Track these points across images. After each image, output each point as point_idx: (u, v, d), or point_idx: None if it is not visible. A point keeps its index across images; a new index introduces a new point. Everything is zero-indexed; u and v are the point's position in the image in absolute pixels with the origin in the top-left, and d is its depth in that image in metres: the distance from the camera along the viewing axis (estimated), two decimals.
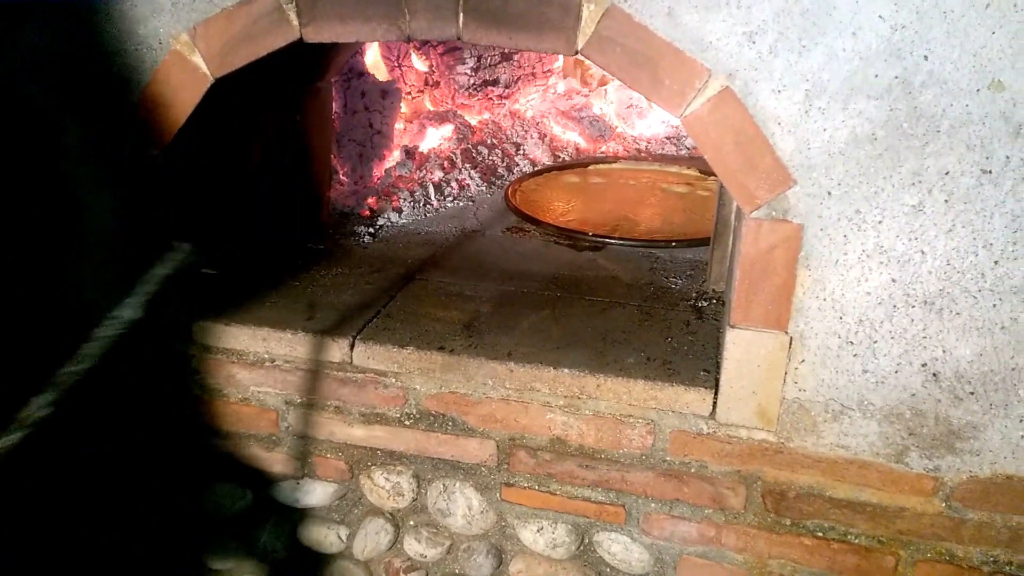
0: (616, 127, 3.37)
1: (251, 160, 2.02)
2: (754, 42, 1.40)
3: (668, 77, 1.45)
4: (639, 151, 3.25)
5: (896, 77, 1.36)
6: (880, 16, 1.33)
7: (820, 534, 1.69)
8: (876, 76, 1.37)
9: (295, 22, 1.57)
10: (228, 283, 1.99)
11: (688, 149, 3.26)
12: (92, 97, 1.71)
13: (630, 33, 1.44)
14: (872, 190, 1.43)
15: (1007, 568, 1.61)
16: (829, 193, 1.45)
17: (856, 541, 1.67)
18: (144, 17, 1.63)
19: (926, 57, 1.34)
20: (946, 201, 1.41)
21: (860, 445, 1.59)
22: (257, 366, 1.87)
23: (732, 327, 1.57)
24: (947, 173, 1.39)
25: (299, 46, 1.59)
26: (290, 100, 2.11)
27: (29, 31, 1.69)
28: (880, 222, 1.45)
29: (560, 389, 1.70)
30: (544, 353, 1.75)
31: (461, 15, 1.50)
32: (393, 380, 1.80)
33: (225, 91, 1.68)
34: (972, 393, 1.51)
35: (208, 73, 1.64)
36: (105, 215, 1.81)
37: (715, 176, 2.86)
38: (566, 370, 1.69)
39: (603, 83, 3.61)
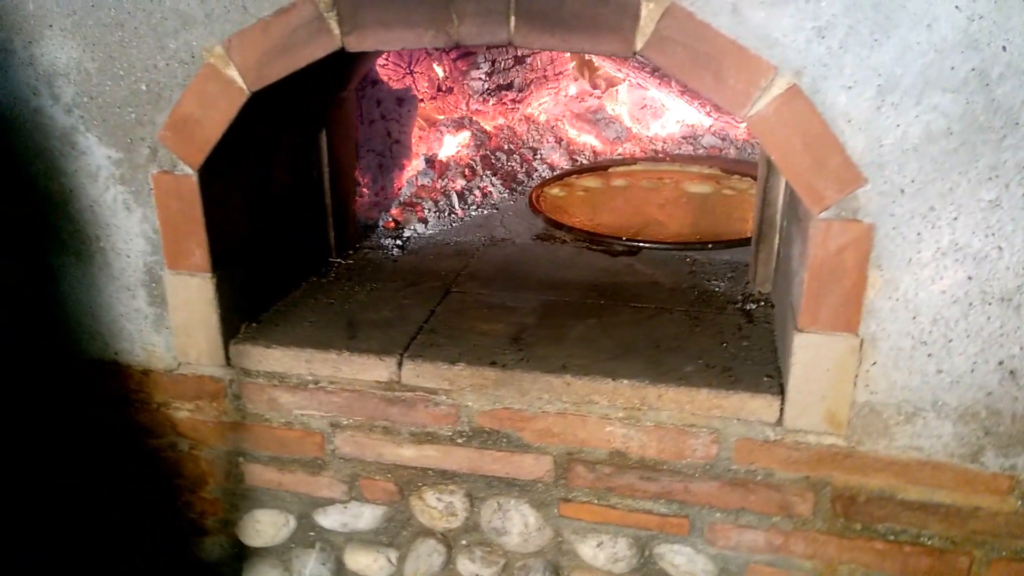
0: (631, 128, 3.32)
1: (279, 176, 1.96)
2: (823, 37, 1.35)
3: (732, 76, 1.41)
4: (656, 152, 3.21)
5: (973, 69, 1.32)
6: (956, 6, 1.29)
7: (892, 537, 1.64)
8: (952, 69, 1.33)
9: (336, 31, 1.51)
10: (263, 303, 1.93)
11: (705, 148, 3.23)
12: (118, 115, 1.65)
13: (692, 32, 1.40)
14: (947, 186, 1.39)
15: None
16: (902, 191, 1.41)
17: (929, 543, 1.63)
18: (175, 30, 1.57)
19: (1004, 48, 1.30)
20: None
21: (934, 446, 1.55)
22: (300, 388, 1.81)
23: (800, 331, 1.52)
24: None
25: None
26: (315, 112, 2.05)
27: (49, 46, 1.62)
28: (955, 219, 1.41)
29: (619, 400, 1.65)
30: (599, 364, 1.70)
31: (513, 18, 1.45)
32: (444, 398, 1.75)
33: (253, 106, 1.62)
34: None
35: (244, 87, 1.58)
36: (133, 241, 1.75)
37: (738, 175, 2.84)
38: (625, 381, 1.65)
39: (612, 84, 3.57)
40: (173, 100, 1.61)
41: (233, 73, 1.57)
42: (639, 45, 1.43)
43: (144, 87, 1.61)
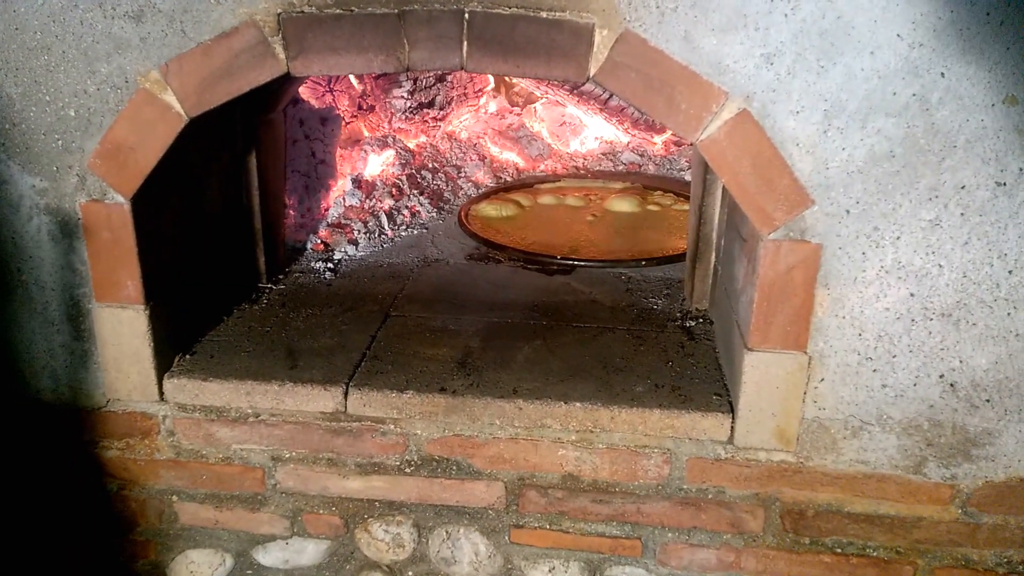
0: (551, 145, 3.33)
1: (210, 200, 1.88)
2: (772, 64, 1.38)
3: (685, 101, 1.42)
4: (577, 168, 3.23)
5: (914, 94, 1.37)
6: (898, 35, 1.34)
7: (839, 550, 1.69)
8: (894, 94, 1.37)
9: (282, 55, 1.46)
10: (196, 333, 1.84)
11: (625, 164, 3.27)
12: (43, 143, 1.55)
13: (645, 58, 1.40)
14: (890, 207, 1.44)
15: (1020, 568, 1.65)
16: (848, 212, 1.45)
17: (875, 554, 1.68)
18: (107, 54, 1.48)
19: (943, 74, 1.35)
20: (962, 214, 1.43)
21: (879, 459, 1.60)
22: (240, 422, 1.73)
23: (750, 350, 1.55)
24: (963, 187, 1.41)
25: None
26: (244, 134, 1.98)
27: None
28: (898, 238, 1.45)
29: (572, 424, 1.64)
30: (550, 387, 1.69)
31: (465, 44, 1.43)
32: (392, 427, 1.70)
33: (187, 130, 1.55)
34: (988, 400, 1.53)
35: (183, 112, 1.51)
36: (59, 273, 1.64)
37: (660, 190, 2.89)
38: (578, 404, 1.64)
39: (530, 101, 3.58)
40: (104, 126, 1.52)
41: (170, 98, 1.49)
42: (593, 71, 1.43)
43: (72, 113, 1.52)
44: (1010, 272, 1.45)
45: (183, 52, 1.46)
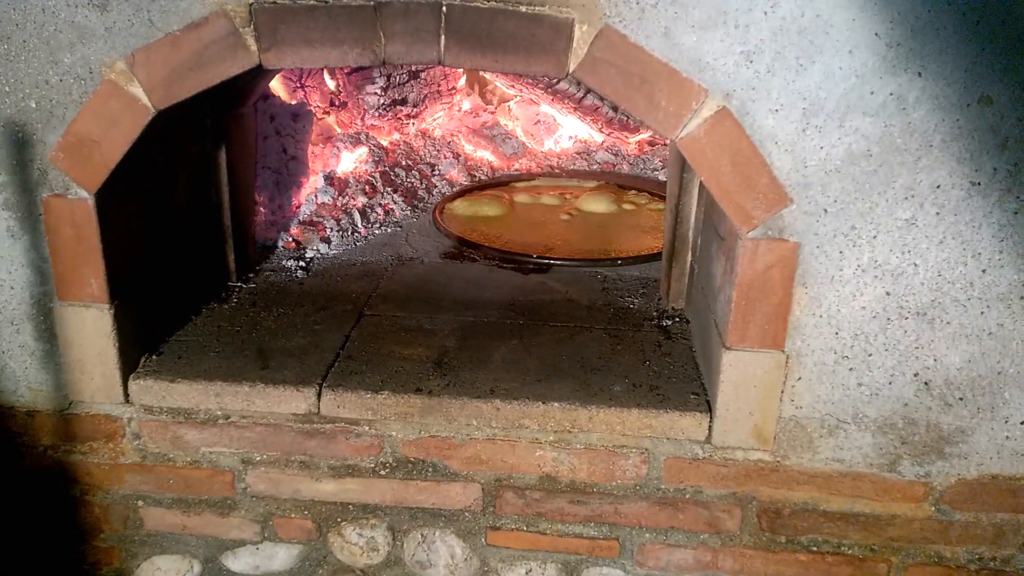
0: (526, 144, 3.32)
1: (178, 196, 1.83)
2: (752, 61, 1.38)
3: (665, 98, 1.41)
4: (552, 167, 3.22)
5: (891, 94, 1.37)
6: (876, 34, 1.34)
7: (815, 548, 1.69)
8: (872, 93, 1.37)
9: (253, 47, 1.43)
10: (163, 332, 1.80)
11: (599, 164, 3.26)
12: (2, 135, 1.50)
13: (625, 54, 1.39)
14: (867, 206, 1.44)
15: (992, 564, 1.66)
16: (825, 210, 1.45)
17: (850, 552, 1.68)
18: (70, 44, 1.44)
19: (920, 74, 1.35)
20: (937, 214, 1.43)
21: (855, 457, 1.60)
22: (209, 424, 1.69)
23: (728, 349, 1.54)
24: (939, 186, 1.41)
25: None
26: (214, 128, 1.94)
27: None
28: (875, 237, 1.46)
29: (550, 424, 1.63)
30: (527, 387, 1.67)
31: (443, 38, 1.41)
32: (367, 428, 1.67)
33: (155, 123, 1.51)
34: (961, 399, 1.54)
35: (150, 105, 1.47)
36: (19, 271, 1.59)
37: (635, 189, 2.88)
38: (556, 404, 1.62)
39: (505, 100, 3.56)
40: (67, 119, 1.47)
41: (137, 90, 1.45)
42: (572, 66, 1.41)
43: (34, 104, 1.47)
44: (983, 271, 1.45)
45: (150, 42, 1.43)
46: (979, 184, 1.41)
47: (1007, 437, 1.56)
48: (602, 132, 3.33)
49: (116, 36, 1.43)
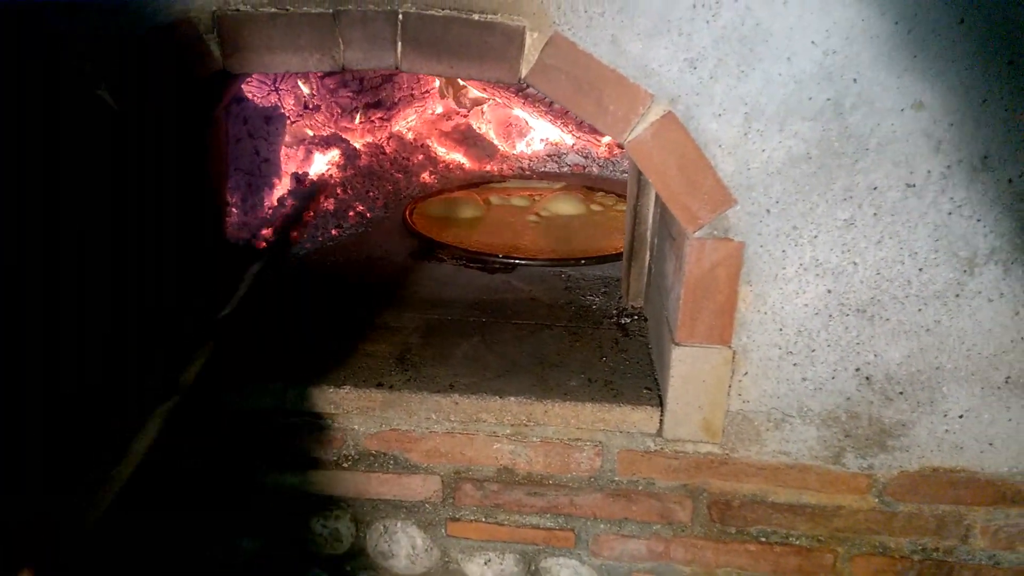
0: (498, 146, 3.37)
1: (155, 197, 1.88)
2: (695, 68, 1.43)
3: (613, 103, 1.47)
4: (523, 169, 3.28)
5: (828, 99, 1.43)
6: (812, 41, 1.40)
7: (764, 539, 1.74)
8: (810, 99, 1.43)
9: (216, 53, 1.48)
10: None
11: (570, 166, 3.32)
12: None
13: (574, 61, 1.45)
14: (808, 206, 1.50)
15: (935, 554, 1.72)
16: (768, 211, 1.51)
17: (797, 543, 1.74)
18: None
19: (855, 80, 1.41)
20: (875, 214, 1.49)
21: (800, 450, 1.66)
22: None
23: (677, 345, 1.60)
24: (875, 188, 1.48)
25: None
26: (187, 131, 1.98)
27: None
28: (815, 236, 1.52)
29: (507, 418, 1.68)
30: (486, 382, 1.72)
31: (400, 44, 1.46)
32: (329, 422, 1.72)
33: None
34: (901, 393, 1.60)
35: (114, 105, 1.51)
36: None
37: (603, 191, 2.94)
38: (512, 398, 1.67)
39: (478, 103, 3.62)
40: None
41: (103, 93, 1.50)
42: (524, 72, 1.47)
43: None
44: (920, 270, 1.52)
45: None
46: (914, 186, 1.47)
47: (946, 430, 1.62)
48: (573, 135, 3.39)
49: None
